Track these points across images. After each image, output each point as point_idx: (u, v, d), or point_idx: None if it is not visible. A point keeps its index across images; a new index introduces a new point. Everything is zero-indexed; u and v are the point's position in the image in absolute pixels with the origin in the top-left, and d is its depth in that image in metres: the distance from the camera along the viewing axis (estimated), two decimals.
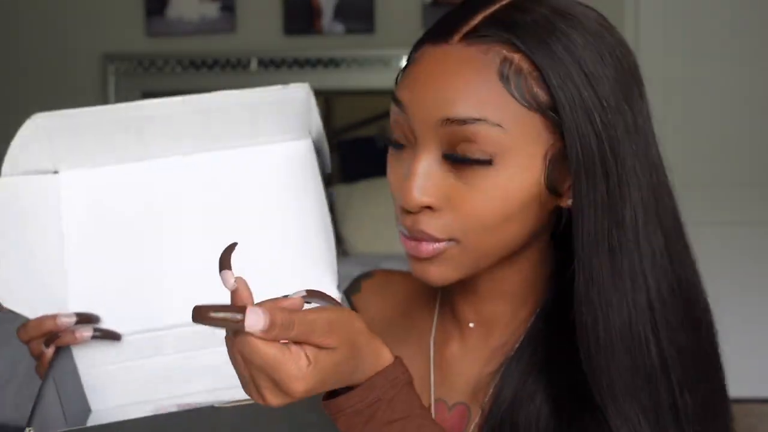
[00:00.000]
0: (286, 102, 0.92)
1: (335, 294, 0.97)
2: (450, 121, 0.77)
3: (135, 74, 3.84)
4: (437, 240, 0.80)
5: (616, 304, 0.79)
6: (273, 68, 3.79)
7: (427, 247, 0.80)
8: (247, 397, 0.69)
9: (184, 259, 0.92)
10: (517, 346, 0.87)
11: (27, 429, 0.73)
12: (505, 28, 0.78)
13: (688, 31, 3.71)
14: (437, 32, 0.81)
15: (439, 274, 0.81)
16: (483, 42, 0.78)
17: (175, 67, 3.82)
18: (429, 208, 0.79)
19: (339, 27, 3.81)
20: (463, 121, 0.76)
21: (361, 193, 3.51)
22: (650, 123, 0.82)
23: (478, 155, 0.77)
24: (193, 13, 3.84)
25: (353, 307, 0.99)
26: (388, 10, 3.79)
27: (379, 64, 3.73)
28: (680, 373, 0.80)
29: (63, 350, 0.88)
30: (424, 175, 0.78)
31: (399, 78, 0.83)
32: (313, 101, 0.93)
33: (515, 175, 0.78)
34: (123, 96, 3.84)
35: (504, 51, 0.77)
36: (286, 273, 0.92)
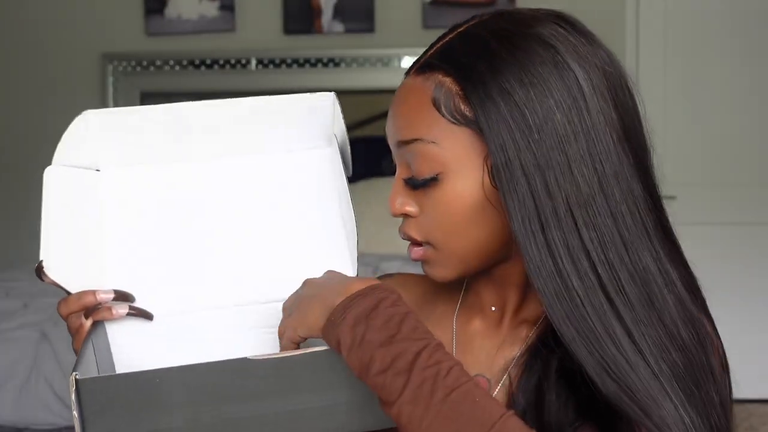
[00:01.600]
0: (315, 110, 0.97)
1: None
2: (400, 143, 0.90)
3: (134, 74, 3.85)
4: (418, 242, 0.91)
5: (560, 287, 0.84)
6: (273, 68, 3.79)
7: (415, 251, 0.92)
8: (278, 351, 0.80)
9: (214, 250, 1.00)
10: (536, 334, 0.93)
11: (73, 373, 0.76)
12: (444, 57, 0.88)
13: (688, 31, 3.71)
14: (409, 67, 0.92)
15: (436, 272, 0.92)
16: (427, 71, 0.89)
17: (175, 67, 3.82)
18: (409, 215, 0.91)
19: (339, 27, 3.81)
20: (407, 143, 0.89)
21: (361, 194, 3.50)
22: (604, 117, 0.85)
23: (426, 174, 0.88)
24: (192, 12, 3.84)
25: None
26: (388, 10, 3.79)
27: (379, 64, 3.73)
28: (647, 342, 0.83)
29: (98, 327, 0.93)
30: (399, 189, 0.91)
31: None
32: (338, 109, 0.99)
33: (458, 182, 0.87)
34: (122, 96, 3.84)
35: (440, 76, 0.88)
36: (312, 269, 0.96)
